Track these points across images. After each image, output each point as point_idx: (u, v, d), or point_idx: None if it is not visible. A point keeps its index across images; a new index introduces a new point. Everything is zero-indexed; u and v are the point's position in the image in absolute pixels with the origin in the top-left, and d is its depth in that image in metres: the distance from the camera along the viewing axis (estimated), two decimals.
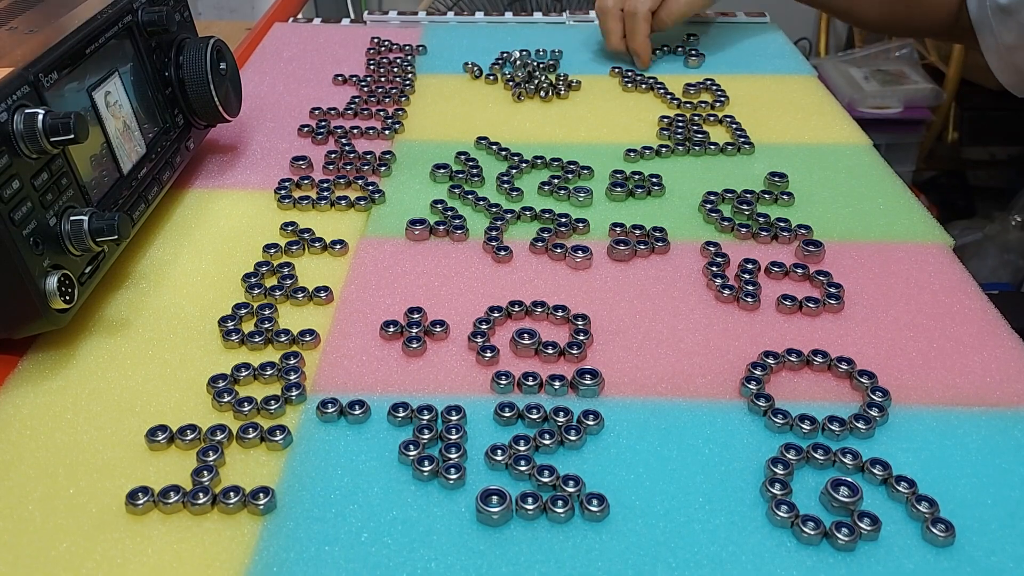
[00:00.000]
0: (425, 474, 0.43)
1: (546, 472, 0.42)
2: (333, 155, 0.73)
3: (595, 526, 0.41)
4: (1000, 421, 0.46)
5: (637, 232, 0.62)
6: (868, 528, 0.40)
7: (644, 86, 0.86)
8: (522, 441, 0.44)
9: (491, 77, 0.88)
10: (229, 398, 0.47)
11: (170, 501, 0.41)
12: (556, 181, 0.69)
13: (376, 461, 0.44)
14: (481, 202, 0.66)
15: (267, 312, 0.54)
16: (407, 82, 0.87)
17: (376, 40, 0.97)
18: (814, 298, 0.55)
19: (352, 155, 0.73)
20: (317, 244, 0.61)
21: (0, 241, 0.45)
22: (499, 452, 0.44)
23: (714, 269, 0.58)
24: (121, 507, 0.41)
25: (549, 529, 0.40)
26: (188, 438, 0.45)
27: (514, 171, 0.70)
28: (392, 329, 0.52)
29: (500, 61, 0.91)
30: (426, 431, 0.45)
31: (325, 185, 0.68)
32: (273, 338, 0.52)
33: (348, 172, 0.71)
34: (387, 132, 0.77)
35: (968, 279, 0.58)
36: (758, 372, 0.49)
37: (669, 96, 0.83)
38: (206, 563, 0.39)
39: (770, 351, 0.50)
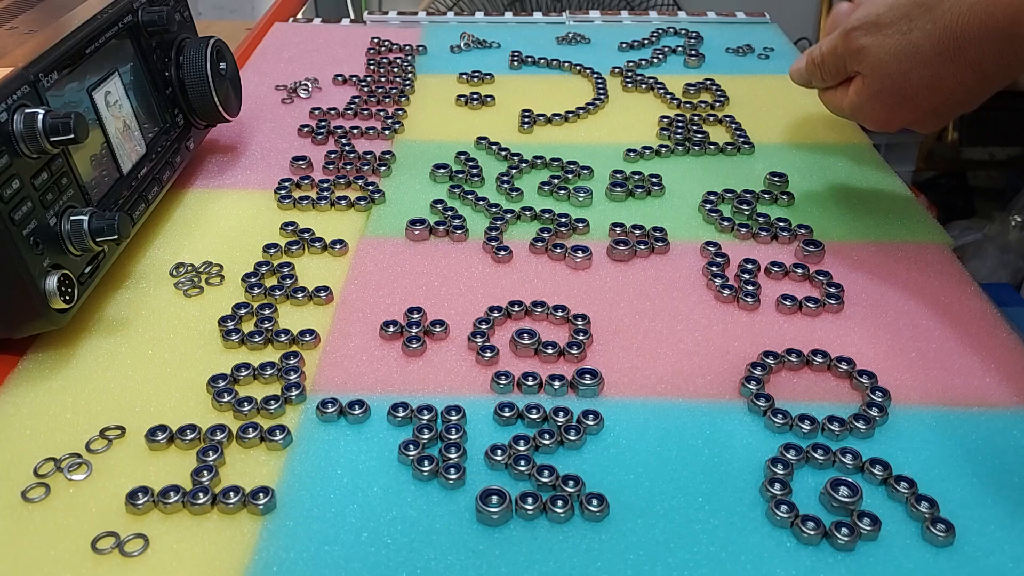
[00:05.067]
0: (425, 474, 0.43)
1: (546, 472, 0.42)
2: (333, 155, 0.73)
3: (595, 526, 0.40)
4: (1000, 421, 0.46)
5: (637, 232, 0.62)
6: (868, 528, 0.40)
7: (644, 86, 0.86)
8: (522, 441, 0.44)
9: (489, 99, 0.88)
10: (229, 398, 0.47)
11: (170, 501, 0.41)
12: (556, 181, 0.69)
13: (376, 461, 0.44)
14: (481, 202, 0.66)
15: (267, 312, 0.54)
16: (407, 82, 0.87)
17: (376, 40, 0.97)
18: (814, 298, 0.55)
19: (352, 155, 0.73)
20: (317, 244, 0.61)
21: (0, 241, 0.45)
22: (499, 452, 0.44)
23: (714, 269, 0.58)
24: (121, 507, 0.41)
25: (549, 529, 0.40)
26: (188, 438, 0.45)
27: (514, 171, 0.70)
28: (392, 329, 0.52)
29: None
30: (426, 431, 0.45)
31: (325, 185, 0.68)
32: (273, 338, 0.52)
33: (348, 172, 0.71)
34: (387, 132, 0.77)
35: (968, 279, 0.58)
36: (758, 372, 0.49)
37: (669, 96, 0.83)
38: (206, 563, 0.39)
39: (770, 351, 0.50)
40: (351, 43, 0.98)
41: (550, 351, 0.51)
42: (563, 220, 0.63)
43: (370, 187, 0.68)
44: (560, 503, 0.41)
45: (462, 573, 0.38)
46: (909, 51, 0.56)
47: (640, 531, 0.40)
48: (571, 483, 0.42)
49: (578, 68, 0.90)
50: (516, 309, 0.54)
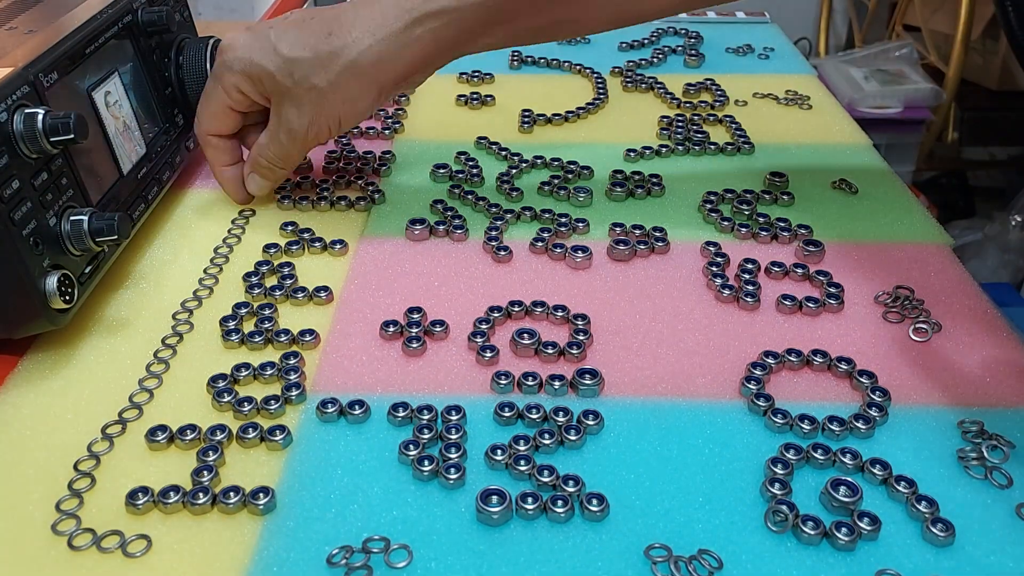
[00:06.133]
0: (425, 474, 0.43)
1: (546, 472, 0.42)
2: (333, 155, 0.73)
3: (595, 526, 0.40)
4: (1000, 421, 0.46)
5: (637, 232, 0.62)
6: (868, 528, 0.40)
7: (644, 86, 0.86)
8: (522, 441, 0.44)
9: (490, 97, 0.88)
10: (229, 398, 0.47)
11: (170, 501, 0.41)
12: (556, 181, 0.69)
13: (376, 461, 0.44)
14: (481, 202, 0.66)
15: (267, 312, 0.54)
16: None
17: None
18: (814, 298, 0.55)
19: (352, 155, 0.73)
20: (317, 244, 0.61)
21: (0, 241, 0.45)
22: (499, 452, 0.44)
23: (714, 269, 0.58)
24: (121, 507, 0.41)
25: (549, 529, 0.40)
26: (188, 438, 0.45)
27: (514, 171, 0.70)
28: (392, 329, 0.52)
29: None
30: (426, 431, 0.45)
31: (325, 185, 0.68)
32: (273, 338, 0.52)
33: (348, 172, 0.71)
34: (387, 132, 0.77)
35: (968, 279, 0.58)
36: (758, 372, 0.49)
37: (669, 96, 0.83)
38: (206, 563, 0.39)
39: (770, 351, 0.50)
40: None
41: (550, 351, 0.51)
42: (563, 220, 0.63)
43: (370, 187, 0.68)
44: (560, 503, 0.41)
45: (462, 573, 0.38)
46: None
47: (640, 531, 0.40)
48: (571, 483, 0.42)
49: (578, 68, 0.90)
50: (516, 309, 0.54)
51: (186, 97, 0.67)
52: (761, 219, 0.64)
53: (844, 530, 0.39)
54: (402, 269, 0.59)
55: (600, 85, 0.85)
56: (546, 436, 0.45)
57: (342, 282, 0.58)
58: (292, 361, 0.50)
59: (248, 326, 0.53)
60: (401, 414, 0.46)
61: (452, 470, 0.42)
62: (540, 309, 0.54)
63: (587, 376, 0.49)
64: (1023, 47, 0.59)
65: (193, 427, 0.45)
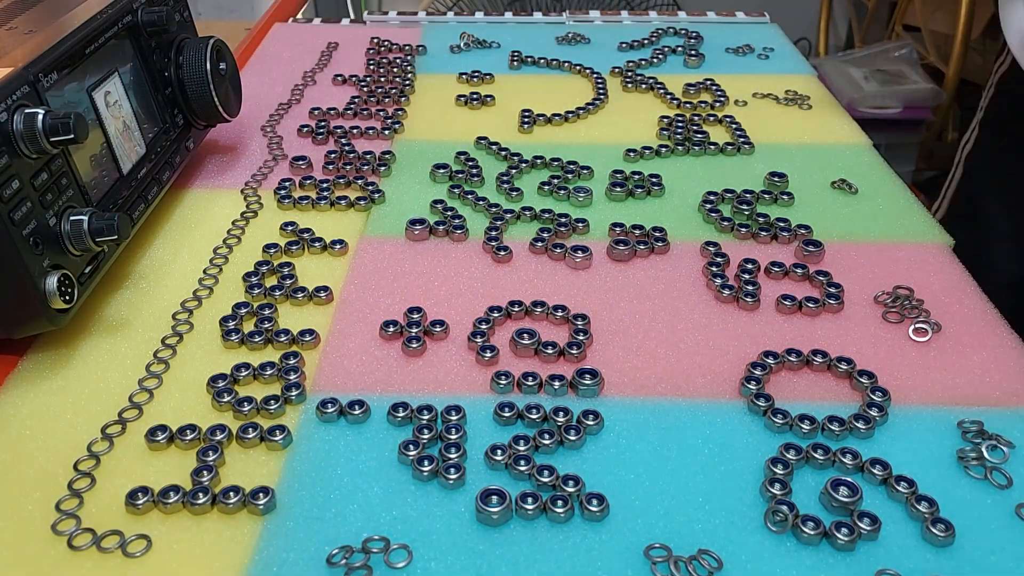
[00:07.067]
0: (425, 474, 0.43)
1: (546, 472, 0.42)
2: (333, 155, 0.73)
3: (595, 526, 0.40)
4: (1000, 421, 0.46)
5: (637, 232, 0.62)
6: (868, 528, 0.40)
7: (644, 86, 0.86)
8: (522, 441, 0.44)
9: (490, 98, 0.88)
10: (229, 398, 0.47)
11: (170, 501, 0.41)
12: (556, 181, 0.69)
13: (376, 461, 0.44)
14: (481, 202, 0.66)
15: (267, 312, 0.54)
16: (407, 82, 0.87)
17: (376, 40, 0.97)
18: (814, 298, 0.55)
19: (352, 155, 0.73)
20: (317, 244, 0.61)
21: (0, 241, 0.45)
22: (499, 452, 0.44)
23: (714, 269, 0.58)
24: (121, 507, 0.41)
25: (549, 529, 0.40)
26: (188, 438, 0.45)
27: (514, 171, 0.70)
28: (392, 329, 0.52)
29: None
30: (426, 431, 0.45)
31: (325, 185, 0.68)
32: (273, 338, 0.52)
33: (348, 172, 0.71)
34: (387, 132, 0.77)
35: (968, 279, 0.58)
36: (758, 372, 0.49)
37: (669, 96, 0.83)
38: (206, 563, 0.39)
39: (770, 351, 0.50)
40: (351, 43, 0.98)
41: (550, 351, 0.51)
42: (563, 220, 0.63)
43: (370, 187, 0.68)
44: (560, 503, 0.41)
45: (462, 573, 0.38)
46: None
47: (640, 531, 0.40)
48: (571, 483, 0.42)
49: (578, 68, 0.90)
50: (516, 309, 0.54)
51: (186, 97, 0.67)
52: (761, 219, 0.64)
53: (844, 530, 0.39)
54: (402, 269, 0.59)
55: (600, 85, 0.86)
56: (546, 436, 0.45)
57: (342, 282, 0.58)
58: (292, 361, 0.50)
59: (248, 326, 0.53)
60: (401, 414, 0.46)
61: (452, 470, 0.42)
62: (540, 309, 0.54)
63: (587, 376, 0.49)
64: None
65: (193, 427, 0.45)
